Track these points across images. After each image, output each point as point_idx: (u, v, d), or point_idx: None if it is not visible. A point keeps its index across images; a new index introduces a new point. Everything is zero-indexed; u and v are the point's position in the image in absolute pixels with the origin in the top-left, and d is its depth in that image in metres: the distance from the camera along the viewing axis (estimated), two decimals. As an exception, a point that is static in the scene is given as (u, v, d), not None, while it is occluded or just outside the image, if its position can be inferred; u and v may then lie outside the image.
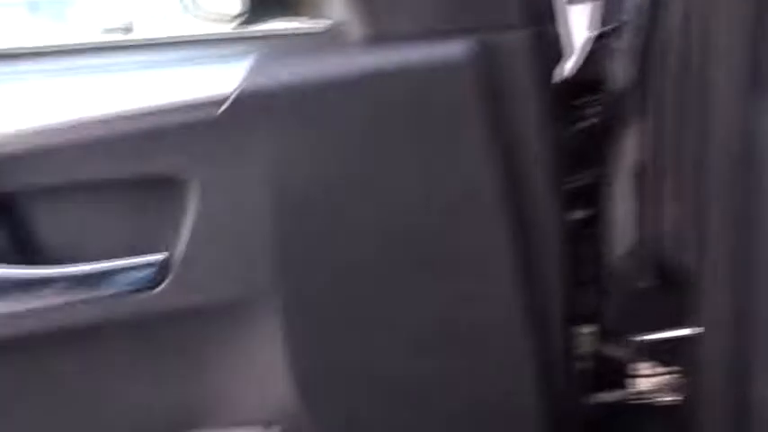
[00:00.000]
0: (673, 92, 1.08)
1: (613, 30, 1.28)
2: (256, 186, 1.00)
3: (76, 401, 1.05)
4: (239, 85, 1.00)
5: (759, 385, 1.01)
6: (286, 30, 1.14)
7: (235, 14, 1.11)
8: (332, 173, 1.03)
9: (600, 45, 1.30)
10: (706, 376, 1.08)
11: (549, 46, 1.17)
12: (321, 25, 1.09)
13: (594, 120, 1.27)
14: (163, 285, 1.00)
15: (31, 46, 1.10)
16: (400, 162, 1.04)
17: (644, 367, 1.18)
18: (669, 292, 1.15)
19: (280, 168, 1.01)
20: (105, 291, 1.00)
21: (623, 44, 1.22)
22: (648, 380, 1.17)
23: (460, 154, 1.05)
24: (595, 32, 1.33)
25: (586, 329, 1.24)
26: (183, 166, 1.00)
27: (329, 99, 1.02)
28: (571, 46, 1.29)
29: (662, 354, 1.16)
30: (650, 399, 1.17)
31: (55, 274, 1.00)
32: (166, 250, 1.01)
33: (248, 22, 1.15)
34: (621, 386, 1.19)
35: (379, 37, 1.05)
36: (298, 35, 1.13)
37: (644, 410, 1.19)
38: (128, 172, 1.00)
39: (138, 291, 1.00)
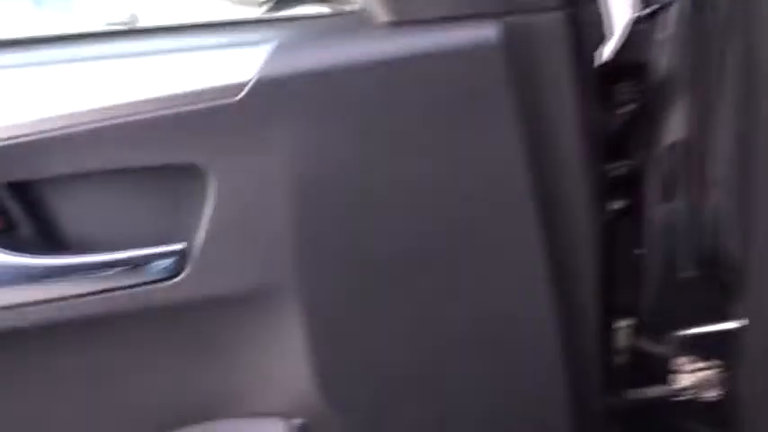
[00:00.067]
0: (720, 76, 1.04)
1: (656, 12, 1.24)
2: (275, 174, 0.98)
3: (96, 390, 1.04)
4: (258, 72, 0.98)
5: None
6: (310, 14, 1.11)
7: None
8: (353, 161, 1.00)
9: (641, 28, 1.25)
10: (750, 371, 1.05)
11: (587, 28, 1.13)
12: (346, 9, 1.07)
13: (633, 106, 1.23)
14: (182, 275, 0.99)
15: (44, 34, 1.09)
16: (425, 151, 1.01)
17: (684, 362, 1.13)
18: (711, 283, 1.11)
19: (299, 156, 0.99)
20: (124, 280, 0.99)
21: (667, 27, 1.18)
22: (689, 375, 1.13)
23: (490, 142, 1.02)
24: (637, 14, 1.29)
25: (623, 323, 1.20)
26: (201, 153, 0.98)
27: (351, 85, 0.99)
28: (611, 28, 1.25)
29: (703, 348, 1.12)
30: (691, 395, 1.13)
31: (74, 264, 0.99)
32: (186, 239, 1.00)
33: (277, 7, 1.13)
34: (661, 382, 1.15)
35: (404, 21, 1.02)
36: (322, 19, 1.11)
37: (684, 407, 1.15)
38: (146, 160, 0.99)
39: (157, 280, 0.99)
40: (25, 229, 0.99)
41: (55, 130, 0.96)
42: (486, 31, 1.00)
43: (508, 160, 1.02)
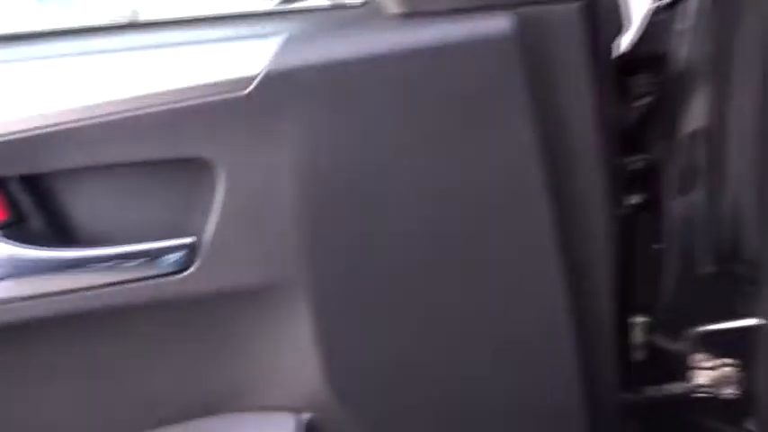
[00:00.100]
0: (741, 67, 1.02)
1: (676, 2, 1.21)
2: (285, 168, 0.98)
3: (106, 383, 1.04)
4: (267, 65, 0.97)
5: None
6: (320, 6, 1.10)
7: (278, -9, 1.09)
8: (363, 155, 0.99)
9: (661, 18, 1.23)
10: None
11: (604, 18, 1.11)
12: (358, 1, 1.06)
13: (650, 99, 1.21)
14: (191, 269, 0.99)
15: (52, 28, 1.08)
16: (437, 145, 1.00)
17: (702, 359, 1.11)
18: (730, 279, 1.09)
19: (309, 150, 0.98)
20: (133, 273, 0.99)
21: (687, 17, 1.16)
22: (707, 372, 1.11)
23: (503, 136, 1.00)
24: (657, 4, 1.26)
25: (639, 319, 1.18)
26: (210, 147, 0.97)
27: (363, 78, 0.98)
28: (629, 19, 1.23)
29: (721, 345, 1.10)
30: (708, 392, 1.11)
31: (83, 256, 0.99)
32: (195, 233, 0.99)
33: (289, -1, 1.13)
34: (677, 379, 1.14)
35: (416, 12, 1.01)
36: (333, 11, 1.10)
37: (702, 404, 1.13)
38: (155, 153, 0.98)
39: (166, 274, 0.98)
40: (36, 221, 0.99)
41: (65, 123, 0.96)
42: (499, 23, 0.98)
43: (522, 154, 1.00)
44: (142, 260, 0.98)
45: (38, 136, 0.95)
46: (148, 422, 1.04)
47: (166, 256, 0.99)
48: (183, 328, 1.03)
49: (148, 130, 0.97)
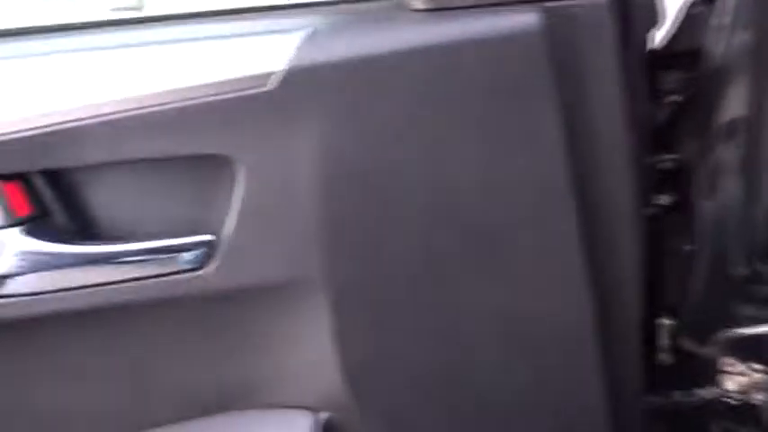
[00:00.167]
0: None
1: (711, -3, 1.18)
2: (306, 166, 0.96)
3: (124, 378, 1.04)
4: (290, 60, 0.95)
5: None
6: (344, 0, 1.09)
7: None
8: (387, 153, 0.98)
9: (697, 12, 1.20)
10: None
11: (637, 13, 1.08)
12: (383, -5, 1.04)
13: (681, 96, 1.18)
14: (210, 266, 0.98)
15: (68, 22, 1.08)
16: (462, 142, 0.98)
17: (730, 364, 1.09)
18: (761, 282, 1.07)
19: (331, 147, 0.97)
20: (153, 270, 0.98)
21: (725, 12, 1.12)
22: (736, 378, 1.09)
23: (530, 134, 0.98)
24: (692, -1, 1.23)
25: (665, 322, 1.16)
26: (230, 144, 0.96)
27: (388, 75, 0.96)
28: (664, 13, 1.19)
29: (751, 351, 1.07)
30: (736, 398, 1.08)
31: (104, 252, 0.99)
32: (214, 230, 0.99)
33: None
34: (704, 383, 1.11)
35: (442, 7, 0.99)
36: (357, 5, 1.08)
37: (730, 410, 1.10)
38: (175, 150, 0.98)
39: (185, 271, 0.98)
40: (58, 216, 0.99)
41: (86, 119, 0.95)
42: (526, 18, 0.96)
43: (549, 152, 0.98)
44: (161, 256, 0.98)
45: (60, 131, 0.95)
46: (165, 417, 1.04)
47: (186, 253, 0.98)
48: (201, 324, 1.03)
49: (168, 127, 0.96)
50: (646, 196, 1.09)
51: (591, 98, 0.99)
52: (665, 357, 1.16)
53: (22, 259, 0.97)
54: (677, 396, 1.15)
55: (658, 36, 1.20)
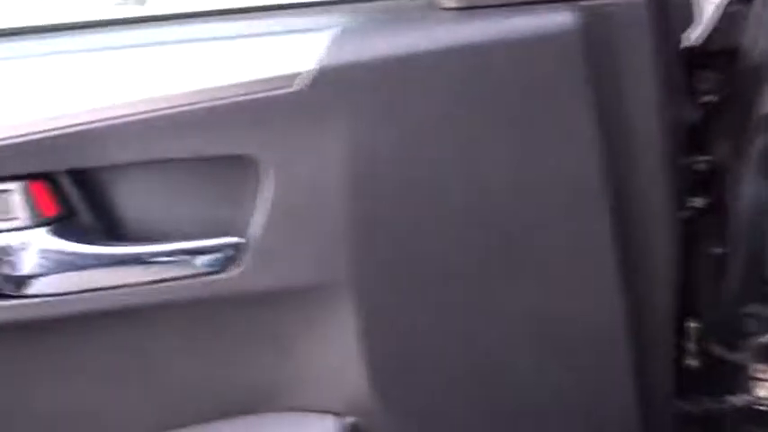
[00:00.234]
0: None
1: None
2: (335, 168, 0.95)
3: (147, 378, 1.04)
4: (319, 60, 0.94)
5: None
6: (375, -2, 1.07)
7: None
8: (418, 153, 0.96)
9: (734, 10, 1.17)
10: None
11: (673, 11, 1.06)
12: (413, -6, 1.02)
13: (716, 96, 1.15)
14: (236, 268, 0.97)
15: (96, 18, 1.06)
16: (495, 142, 0.97)
17: (762, 370, 1.07)
18: None
19: (361, 149, 0.95)
20: (178, 271, 0.97)
21: (765, 10, 1.10)
22: (767, 385, 1.07)
23: (564, 134, 0.97)
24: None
25: (692, 325, 1.14)
26: (258, 145, 0.95)
27: (419, 75, 0.95)
28: (700, 11, 1.17)
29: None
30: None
31: (130, 253, 0.98)
32: (240, 232, 0.97)
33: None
34: (734, 390, 1.10)
35: (474, 6, 0.97)
36: (386, 3, 1.06)
37: (760, 417, 1.09)
38: (202, 150, 0.96)
39: (211, 272, 0.97)
40: (84, 216, 0.98)
41: (113, 118, 0.94)
42: (562, 17, 0.95)
43: (584, 152, 0.97)
44: (187, 258, 0.97)
45: (86, 131, 0.94)
46: (189, 419, 1.04)
47: (211, 255, 0.97)
48: (227, 327, 1.02)
49: (196, 127, 0.95)
50: (680, 198, 1.07)
51: (627, 98, 0.97)
52: (691, 361, 1.14)
53: (49, 259, 0.96)
54: (707, 402, 1.13)
55: (694, 34, 1.18)
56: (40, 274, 0.96)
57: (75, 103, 0.95)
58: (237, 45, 0.99)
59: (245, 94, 0.94)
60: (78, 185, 0.98)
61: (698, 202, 1.14)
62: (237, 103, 0.94)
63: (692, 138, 1.14)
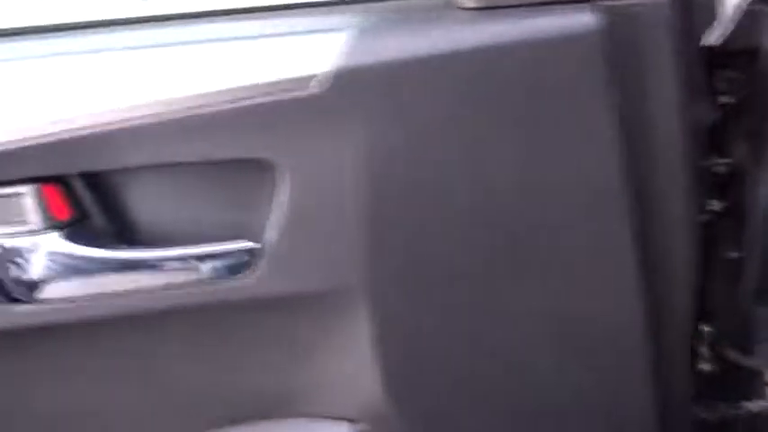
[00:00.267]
0: None
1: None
2: (352, 171, 0.94)
3: (159, 384, 1.03)
4: (336, 61, 0.92)
5: None
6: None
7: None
8: (437, 157, 0.95)
9: (756, 9, 1.15)
10: None
11: (695, 11, 1.04)
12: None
13: (735, 97, 1.14)
14: (250, 273, 0.96)
15: (106, 18, 1.04)
16: (514, 144, 0.96)
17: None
18: None
19: (378, 152, 0.94)
20: (192, 276, 0.96)
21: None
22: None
23: (584, 136, 0.96)
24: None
25: (705, 329, 1.13)
26: (273, 148, 0.94)
27: (438, 76, 0.93)
28: (723, 10, 1.15)
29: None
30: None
31: (143, 258, 0.97)
32: (255, 237, 0.96)
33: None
34: (748, 395, 1.09)
35: (494, 6, 0.96)
36: (403, 3, 1.04)
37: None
38: (216, 154, 0.95)
39: (225, 277, 0.96)
40: (96, 220, 0.97)
41: (126, 120, 0.93)
42: (584, 17, 0.93)
43: (604, 153, 0.95)
44: (201, 263, 0.96)
45: (99, 133, 0.92)
46: (201, 425, 1.03)
47: (226, 260, 0.96)
48: (239, 332, 1.01)
49: (210, 130, 0.93)
50: (699, 201, 1.06)
51: (649, 99, 0.96)
52: (706, 366, 1.13)
53: (61, 263, 0.95)
54: (722, 408, 1.12)
55: (714, 34, 1.16)
56: (52, 279, 0.95)
57: (88, 105, 0.93)
58: (250, 46, 0.97)
59: (260, 97, 0.93)
60: (91, 189, 0.96)
61: (716, 205, 1.13)
62: (252, 106, 0.93)
63: (710, 139, 1.13)
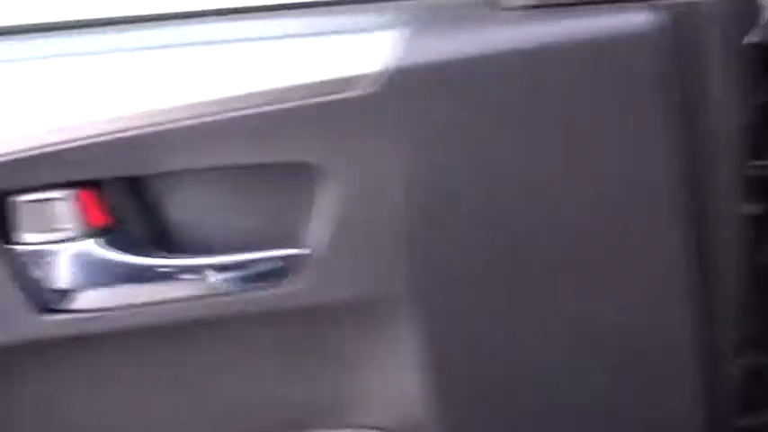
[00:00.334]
0: None
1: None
2: (399, 176, 0.90)
3: (194, 394, 0.99)
4: (385, 62, 0.89)
5: None
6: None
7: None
8: (489, 161, 0.92)
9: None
10: None
11: (748, 9, 1.02)
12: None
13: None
14: (290, 282, 0.92)
15: (143, 13, 1.00)
16: (569, 148, 0.93)
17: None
18: None
19: (429, 156, 0.91)
20: (230, 285, 0.92)
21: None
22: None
23: (640, 140, 0.93)
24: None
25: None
26: (318, 152, 0.90)
27: (491, 78, 0.90)
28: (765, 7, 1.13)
29: None
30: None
31: (181, 265, 0.92)
32: (299, 244, 0.93)
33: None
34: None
35: (547, 4, 0.93)
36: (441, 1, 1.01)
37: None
38: (259, 157, 0.91)
39: (265, 286, 0.92)
40: (134, 227, 0.93)
41: (165, 123, 0.89)
42: (640, 16, 0.91)
43: (659, 158, 0.93)
44: (243, 271, 0.92)
45: (138, 136, 0.88)
46: None
47: (269, 268, 0.92)
48: (280, 341, 0.97)
49: (253, 132, 0.90)
50: (745, 203, 1.03)
51: (707, 100, 0.94)
52: (745, 372, 1.11)
53: (98, 272, 0.91)
54: (765, 416, 1.10)
55: (758, 32, 1.13)
56: (88, 287, 0.91)
57: (126, 106, 0.89)
58: (293, 45, 0.93)
59: (306, 98, 0.89)
60: (128, 194, 0.92)
61: (753, 209, 1.11)
62: (297, 107, 0.89)
63: (752, 141, 1.11)
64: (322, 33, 0.94)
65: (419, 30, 0.93)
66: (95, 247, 0.91)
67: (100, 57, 0.93)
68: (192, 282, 0.92)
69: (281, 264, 0.92)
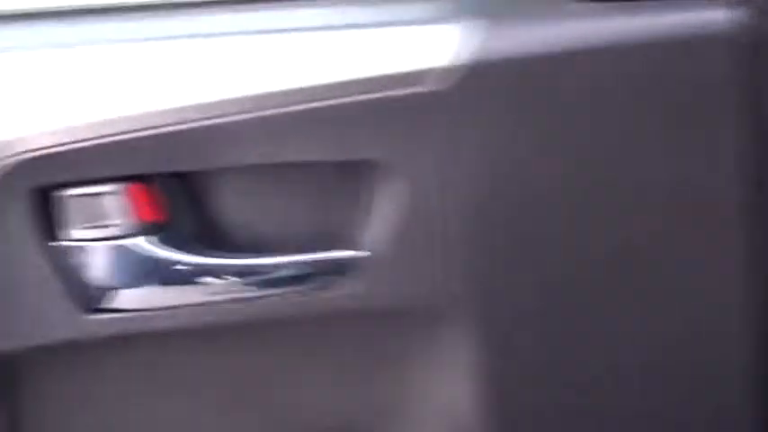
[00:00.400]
0: None
1: None
2: (469, 176, 0.86)
3: (242, 397, 0.95)
4: (459, 56, 0.84)
5: None
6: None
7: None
8: (558, 163, 0.88)
9: None
10: None
11: None
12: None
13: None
14: (354, 284, 0.87)
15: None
16: (642, 153, 0.89)
17: None
18: None
19: (500, 155, 0.86)
20: (282, 287, 0.87)
21: None
22: None
23: (713, 146, 0.89)
24: None
25: None
26: (383, 149, 0.85)
27: (572, 74, 0.86)
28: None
29: None
30: None
31: (233, 265, 0.88)
32: (358, 245, 0.88)
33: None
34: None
35: None
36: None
37: None
38: (318, 155, 0.86)
39: (323, 289, 0.88)
40: (185, 223, 0.89)
41: (220, 116, 0.84)
42: (719, 13, 0.87)
43: (730, 166, 0.89)
44: (298, 272, 0.88)
45: (191, 130, 0.84)
46: None
47: (325, 269, 0.88)
48: (329, 347, 0.93)
49: (313, 127, 0.85)
50: None
51: None
52: None
53: (147, 270, 0.87)
54: None
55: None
56: (137, 286, 0.87)
57: (180, 98, 0.84)
58: (354, 36, 0.88)
59: (369, 92, 0.84)
60: (180, 190, 0.88)
61: None
62: (360, 102, 0.84)
63: None
64: (386, 24, 0.90)
65: (493, 23, 0.88)
66: (146, 244, 0.86)
67: (156, 43, 0.88)
68: (244, 282, 0.88)
69: (340, 265, 0.88)
